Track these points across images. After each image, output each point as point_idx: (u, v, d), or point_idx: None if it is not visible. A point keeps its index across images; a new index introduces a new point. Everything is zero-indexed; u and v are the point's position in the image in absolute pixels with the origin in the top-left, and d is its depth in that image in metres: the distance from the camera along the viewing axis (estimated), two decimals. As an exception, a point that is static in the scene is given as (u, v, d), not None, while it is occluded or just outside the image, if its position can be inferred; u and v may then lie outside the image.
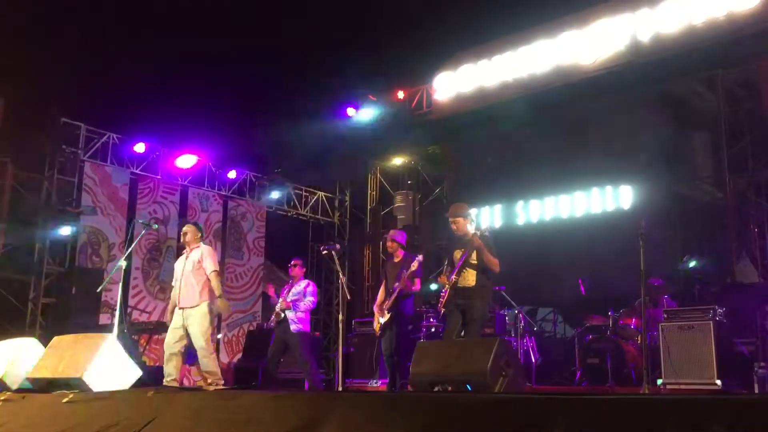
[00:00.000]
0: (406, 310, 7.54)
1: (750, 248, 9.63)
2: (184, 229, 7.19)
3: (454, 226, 6.74)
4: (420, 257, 7.46)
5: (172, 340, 6.80)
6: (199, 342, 6.71)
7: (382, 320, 7.45)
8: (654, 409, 2.69)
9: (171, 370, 6.72)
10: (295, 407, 3.73)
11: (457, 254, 6.58)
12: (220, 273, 7.19)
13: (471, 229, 6.67)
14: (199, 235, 7.19)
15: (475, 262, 6.47)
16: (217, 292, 6.87)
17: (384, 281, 7.66)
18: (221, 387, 6.73)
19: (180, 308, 6.86)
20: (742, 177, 9.75)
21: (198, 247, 7.08)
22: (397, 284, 7.37)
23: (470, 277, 6.48)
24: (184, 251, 7.19)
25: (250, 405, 3.94)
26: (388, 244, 7.82)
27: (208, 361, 6.73)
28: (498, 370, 4.80)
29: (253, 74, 14.05)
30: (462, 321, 6.45)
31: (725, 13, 9.13)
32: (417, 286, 7.51)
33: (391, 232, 8.01)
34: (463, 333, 6.47)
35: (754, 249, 9.55)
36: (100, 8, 12.81)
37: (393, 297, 7.39)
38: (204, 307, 6.79)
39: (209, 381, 6.74)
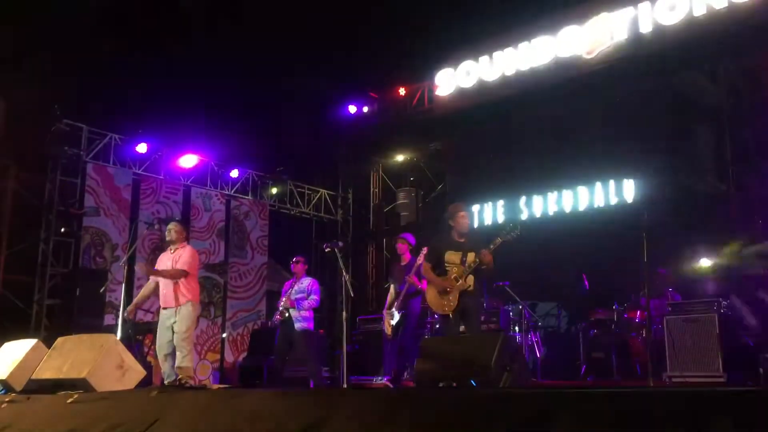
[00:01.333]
0: (415, 309, 7.67)
1: (754, 240, 9.59)
2: (170, 226, 7.24)
3: (455, 223, 6.64)
4: (425, 250, 7.46)
5: (163, 342, 6.84)
6: (178, 339, 6.75)
7: (393, 322, 7.54)
8: (659, 402, 2.68)
9: (169, 371, 6.77)
10: (300, 405, 3.72)
11: (453, 257, 6.50)
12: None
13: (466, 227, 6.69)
14: (185, 234, 7.30)
15: (471, 269, 6.42)
16: (162, 273, 6.93)
17: (392, 284, 7.73)
18: (218, 385, 6.78)
19: (164, 308, 6.92)
20: (745, 169, 9.71)
21: (183, 246, 7.15)
22: (404, 285, 7.45)
23: (469, 280, 6.45)
24: (169, 248, 7.23)
25: (256, 404, 3.94)
26: (399, 245, 7.87)
27: (183, 358, 6.74)
28: (502, 366, 4.79)
29: (254, 72, 14.03)
30: (461, 319, 6.44)
31: (726, 4, 9.10)
32: (424, 284, 7.46)
33: (403, 234, 8.13)
34: (463, 328, 6.44)
35: (758, 241, 9.50)
36: (100, 9, 12.81)
37: (402, 297, 7.46)
38: (188, 307, 6.84)
39: (181, 377, 6.69)
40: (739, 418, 2.36)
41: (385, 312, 7.82)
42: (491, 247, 6.35)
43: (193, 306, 6.89)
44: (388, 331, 7.68)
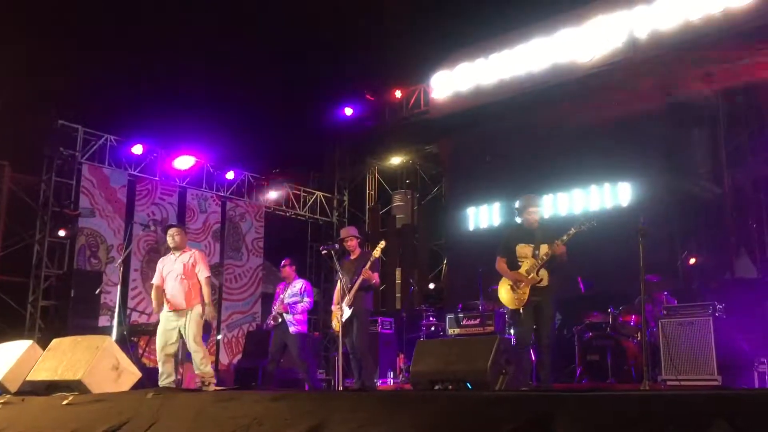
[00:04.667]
0: (367, 305, 7.34)
1: (749, 244, 9.63)
2: (173, 231, 7.12)
3: (528, 218, 6.45)
4: (382, 243, 7.33)
5: (166, 342, 6.76)
6: (192, 344, 6.72)
7: (343, 317, 7.16)
8: (655, 405, 2.68)
9: (169, 370, 6.72)
10: (296, 408, 3.72)
11: (525, 250, 6.33)
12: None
13: (537, 223, 6.47)
14: (186, 235, 7.24)
15: (543, 261, 6.21)
16: (206, 299, 6.88)
17: (340, 280, 7.30)
18: (216, 387, 6.75)
19: (171, 311, 6.84)
20: (740, 172, 9.75)
21: (188, 250, 7.10)
22: (356, 278, 7.14)
23: (544, 276, 6.26)
24: (171, 252, 7.15)
25: (251, 406, 3.93)
26: (349, 244, 7.50)
27: (201, 361, 6.73)
28: (498, 368, 4.81)
29: (250, 75, 14.03)
30: (534, 317, 6.25)
31: (722, 9, 9.15)
32: (376, 280, 7.32)
33: (346, 231, 7.79)
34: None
35: (753, 244, 9.55)
36: (97, 10, 12.80)
37: (353, 291, 7.14)
38: (198, 309, 6.80)
39: (205, 381, 6.74)
40: (735, 421, 2.37)
41: (333, 307, 7.43)
42: (564, 238, 6.16)
43: (202, 308, 6.87)
44: (337, 327, 7.23)
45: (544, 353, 6.25)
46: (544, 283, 6.24)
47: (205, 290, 6.89)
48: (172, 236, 7.09)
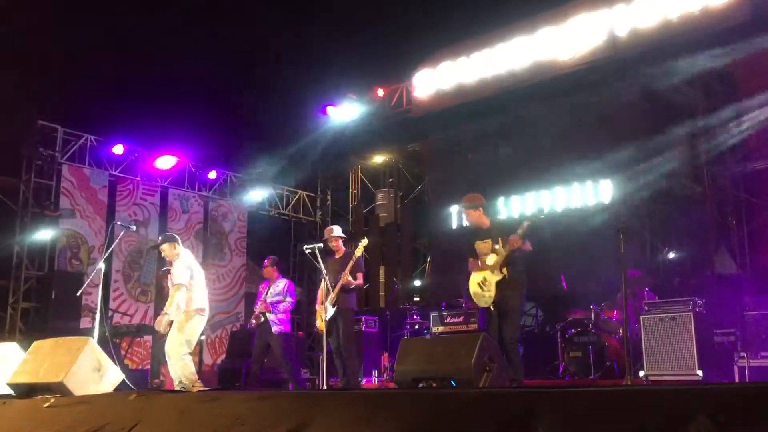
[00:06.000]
0: (351, 305, 7.42)
1: (728, 240, 9.73)
2: (161, 248, 7.08)
3: (464, 216, 6.59)
4: (364, 241, 7.41)
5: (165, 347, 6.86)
6: (170, 346, 6.70)
7: (326, 316, 7.22)
8: (637, 401, 2.70)
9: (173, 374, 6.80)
10: (280, 407, 3.71)
11: (481, 246, 6.36)
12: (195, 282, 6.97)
13: (485, 220, 6.51)
14: (175, 247, 7.05)
15: (504, 256, 6.20)
16: (166, 308, 6.78)
17: (324, 278, 7.34)
18: (201, 388, 6.71)
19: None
20: (719, 169, 9.84)
21: (175, 257, 7.02)
22: (340, 277, 7.23)
23: (504, 270, 6.25)
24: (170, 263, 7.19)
25: (236, 407, 3.91)
26: (333, 243, 7.60)
27: (177, 366, 6.67)
28: (482, 366, 4.82)
29: (232, 73, 13.97)
30: (498, 313, 6.25)
31: (700, 7, 9.24)
32: (360, 280, 7.40)
33: (330, 230, 7.82)
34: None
35: (732, 241, 9.65)
36: (77, 10, 12.68)
37: (336, 291, 7.22)
38: (180, 315, 6.74)
39: (184, 383, 6.62)
40: (716, 415, 2.40)
41: (317, 307, 7.50)
42: (519, 232, 6.14)
43: (188, 314, 6.77)
44: (320, 326, 7.29)
45: (509, 350, 6.04)
46: (506, 278, 6.24)
47: (173, 299, 6.75)
48: (161, 251, 7.07)
